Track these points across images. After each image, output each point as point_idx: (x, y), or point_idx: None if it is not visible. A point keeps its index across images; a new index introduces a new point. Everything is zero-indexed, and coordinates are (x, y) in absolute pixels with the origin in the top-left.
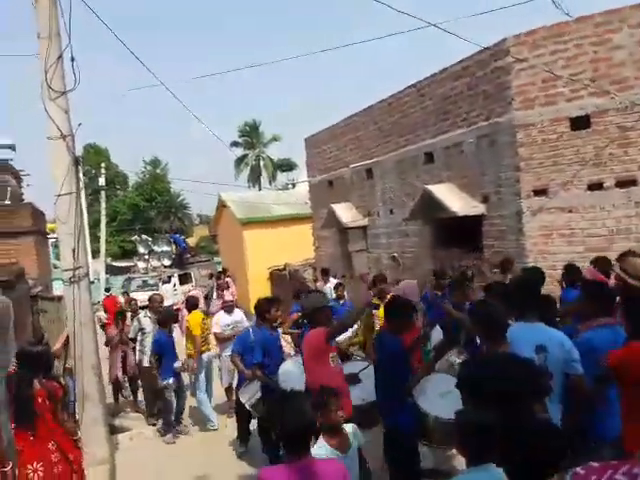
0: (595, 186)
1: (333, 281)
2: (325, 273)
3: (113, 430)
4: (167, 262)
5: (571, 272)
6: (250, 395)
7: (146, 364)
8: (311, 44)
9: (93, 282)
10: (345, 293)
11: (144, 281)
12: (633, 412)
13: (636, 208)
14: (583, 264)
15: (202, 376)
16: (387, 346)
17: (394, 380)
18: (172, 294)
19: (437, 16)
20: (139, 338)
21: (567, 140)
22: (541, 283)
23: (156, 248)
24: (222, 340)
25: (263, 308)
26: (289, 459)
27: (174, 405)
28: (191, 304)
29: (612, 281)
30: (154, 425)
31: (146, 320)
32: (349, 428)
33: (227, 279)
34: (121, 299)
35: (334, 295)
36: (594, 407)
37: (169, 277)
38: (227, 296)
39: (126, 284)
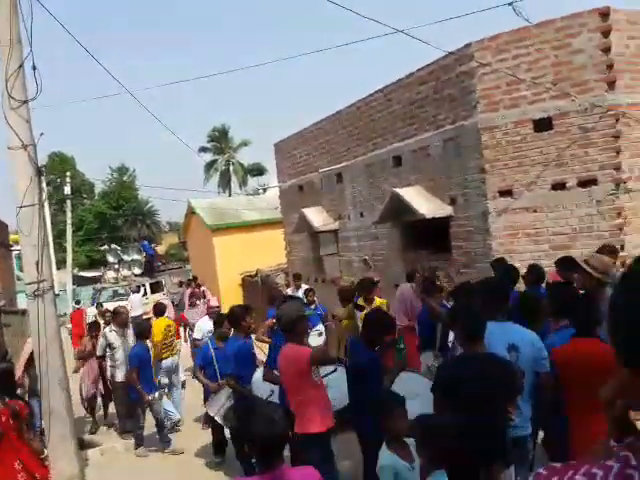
0: (558, 186)
1: (304, 286)
2: (297, 278)
3: (82, 445)
4: (138, 271)
5: (534, 271)
6: (218, 407)
7: (119, 379)
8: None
9: (59, 294)
10: (315, 298)
11: (115, 291)
12: (576, 412)
13: (597, 207)
14: (549, 262)
15: (164, 380)
16: (358, 356)
17: (360, 390)
18: (141, 304)
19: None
20: (108, 353)
21: (531, 142)
22: (514, 282)
23: (126, 257)
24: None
25: (237, 316)
26: (261, 470)
27: (162, 414)
28: (158, 310)
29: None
30: (127, 439)
31: (112, 335)
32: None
33: (203, 288)
34: (93, 310)
35: (305, 300)
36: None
37: (138, 287)
38: (213, 302)
39: (96, 295)
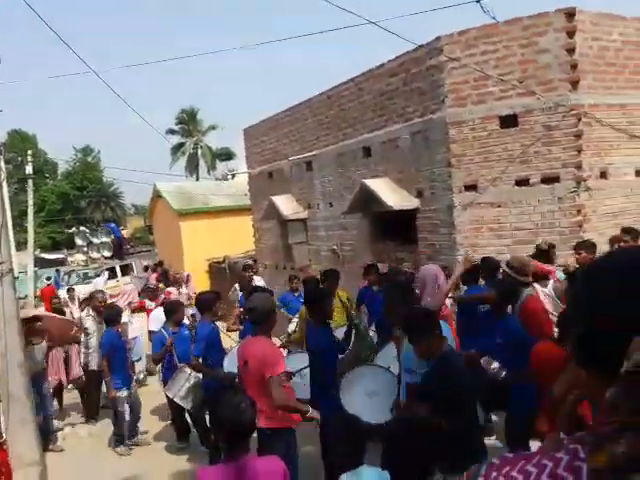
0: (522, 182)
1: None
2: (247, 269)
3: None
4: (107, 253)
5: (486, 265)
6: (177, 388)
7: (93, 367)
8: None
9: (18, 277)
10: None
11: (84, 274)
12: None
13: (559, 203)
14: (509, 256)
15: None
16: (311, 338)
17: (319, 372)
18: (103, 287)
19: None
20: (82, 340)
21: (496, 137)
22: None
23: (95, 240)
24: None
25: (208, 302)
26: (226, 458)
27: (126, 415)
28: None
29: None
30: (91, 424)
31: (89, 320)
32: None
33: (186, 273)
34: (62, 294)
35: (289, 287)
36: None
37: (111, 269)
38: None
39: (65, 277)
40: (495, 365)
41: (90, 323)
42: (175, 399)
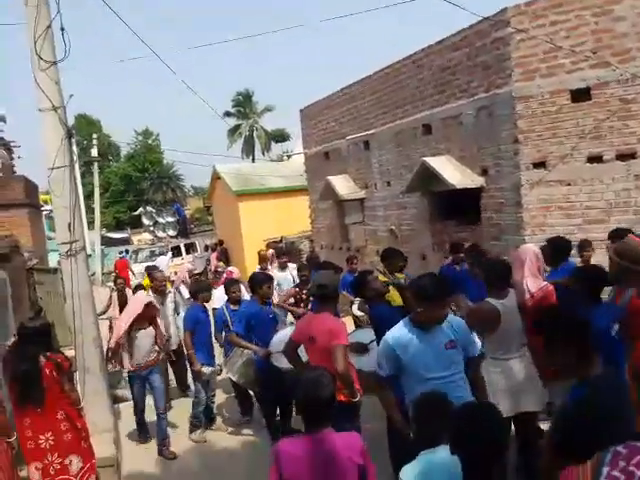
0: (594, 159)
1: (293, 266)
2: (279, 255)
3: (116, 400)
4: (172, 232)
5: (454, 248)
6: (231, 365)
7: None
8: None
9: (90, 255)
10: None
11: (152, 252)
12: None
13: (635, 181)
14: (582, 236)
15: None
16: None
17: None
18: (168, 266)
19: None
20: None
21: (567, 112)
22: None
23: (160, 219)
24: None
25: (257, 282)
26: (307, 431)
27: (202, 394)
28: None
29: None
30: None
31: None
32: None
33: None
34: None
35: (348, 268)
36: None
37: (176, 247)
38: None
39: (133, 255)
40: None
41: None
42: (229, 374)
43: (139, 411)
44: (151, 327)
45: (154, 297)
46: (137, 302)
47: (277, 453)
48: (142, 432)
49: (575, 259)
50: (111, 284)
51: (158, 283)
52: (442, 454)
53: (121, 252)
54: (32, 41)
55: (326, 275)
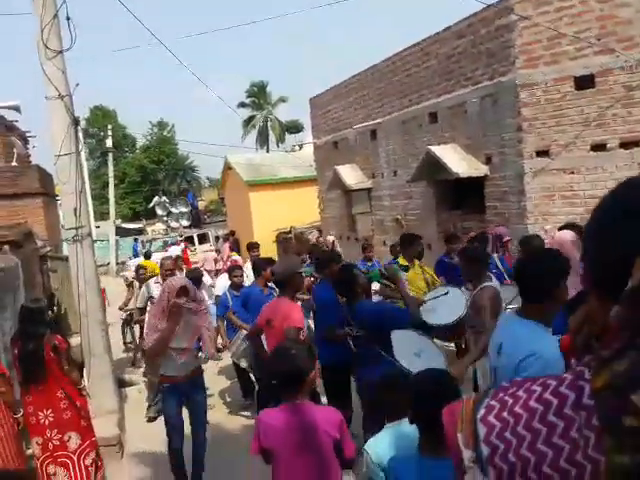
0: (598, 147)
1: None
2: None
3: (122, 384)
4: (185, 223)
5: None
6: (235, 348)
7: None
8: None
9: (97, 241)
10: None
11: (165, 242)
12: None
13: (639, 169)
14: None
15: None
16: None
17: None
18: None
19: None
20: (149, 307)
21: (571, 100)
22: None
23: (174, 210)
24: None
25: (258, 266)
26: (285, 402)
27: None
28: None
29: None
30: None
31: (156, 287)
32: None
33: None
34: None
35: (363, 256)
36: None
37: (189, 237)
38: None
39: (147, 245)
40: None
41: (156, 290)
42: (233, 358)
43: (175, 453)
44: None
45: (160, 282)
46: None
47: (257, 423)
48: None
49: None
50: (126, 274)
51: (164, 271)
52: (406, 427)
53: (166, 241)
54: (39, 30)
55: (280, 262)
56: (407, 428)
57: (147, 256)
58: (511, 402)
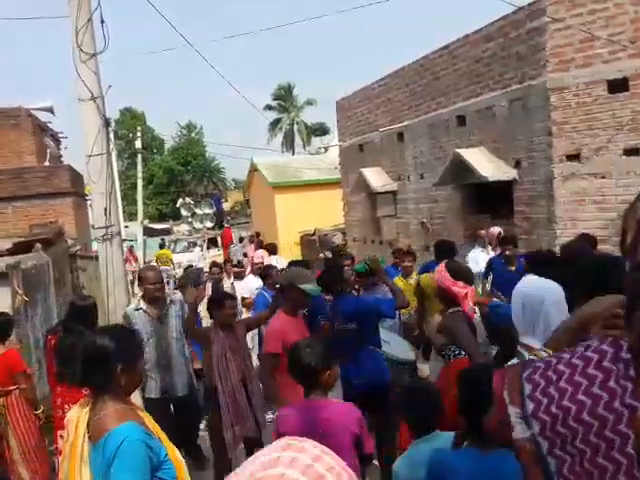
0: (631, 151)
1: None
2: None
3: None
4: (209, 224)
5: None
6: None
7: None
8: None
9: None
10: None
11: (190, 242)
12: None
13: None
14: (613, 231)
15: None
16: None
17: None
18: (199, 258)
19: None
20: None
21: (603, 103)
22: None
23: (198, 211)
24: (249, 305)
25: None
26: (305, 397)
27: None
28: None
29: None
30: None
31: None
32: None
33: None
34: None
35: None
36: None
37: (210, 239)
38: (257, 258)
39: (172, 245)
40: None
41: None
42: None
43: None
44: None
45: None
46: None
47: (278, 418)
48: None
49: None
50: None
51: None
52: (444, 435)
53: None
54: (74, 33)
55: (284, 273)
56: (436, 442)
57: (161, 246)
58: (554, 361)
